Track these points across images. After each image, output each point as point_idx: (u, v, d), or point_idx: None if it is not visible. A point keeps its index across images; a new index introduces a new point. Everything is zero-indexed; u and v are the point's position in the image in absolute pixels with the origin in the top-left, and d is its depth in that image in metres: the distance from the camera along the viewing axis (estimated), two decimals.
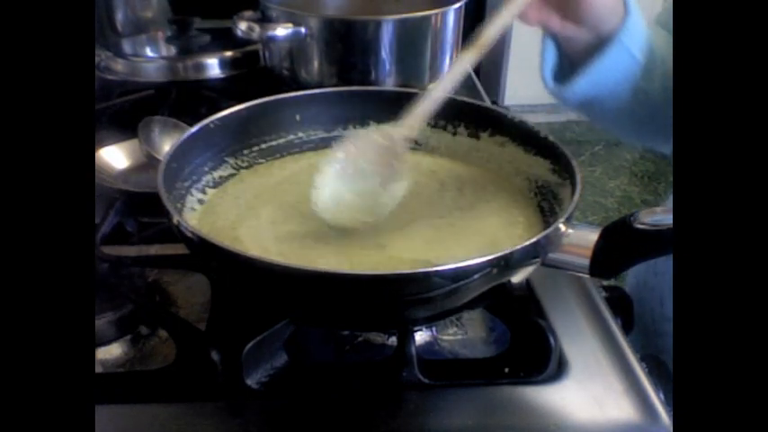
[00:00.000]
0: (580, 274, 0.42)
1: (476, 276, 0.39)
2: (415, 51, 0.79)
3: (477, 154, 0.59)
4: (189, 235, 0.41)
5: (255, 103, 0.58)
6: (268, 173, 0.58)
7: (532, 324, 0.47)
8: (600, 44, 0.59)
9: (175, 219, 0.41)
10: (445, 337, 0.50)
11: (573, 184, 0.47)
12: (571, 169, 0.48)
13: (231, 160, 0.57)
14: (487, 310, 0.50)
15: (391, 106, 0.61)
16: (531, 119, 0.55)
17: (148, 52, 0.97)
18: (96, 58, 0.97)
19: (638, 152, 2.68)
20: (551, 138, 0.52)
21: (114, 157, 0.70)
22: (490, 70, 2.57)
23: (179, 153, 0.50)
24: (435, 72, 0.83)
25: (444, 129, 0.60)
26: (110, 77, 0.96)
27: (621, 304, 0.57)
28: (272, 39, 0.78)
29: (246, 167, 0.58)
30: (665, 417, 0.42)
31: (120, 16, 0.95)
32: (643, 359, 0.47)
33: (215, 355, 0.43)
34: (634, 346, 0.48)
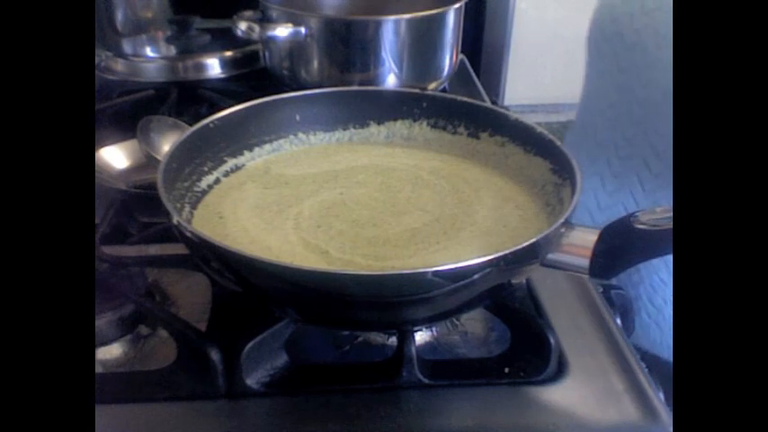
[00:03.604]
0: (579, 275, 0.42)
1: (475, 276, 0.39)
2: (416, 51, 0.79)
3: (477, 154, 0.59)
4: (189, 235, 0.41)
5: (255, 103, 0.58)
6: (268, 173, 0.58)
7: (532, 324, 0.47)
8: None
9: (175, 219, 0.41)
10: (445, 337, 0.50)
11: (573, 185, 0.47)
12: (571, 169, 0.48)
13: (231, 160, 0.57)
14: (487, 310, 0.50)
15: (391, 106, 0.61)
16: (531, 119, 0.55)
17: (148, 52, 0.97)
18: (96, 58, 0.97)
19: None
20: (551, 137, 0.52)
21: (114, 157, 0.70)
22: (490, 70, 2.58)
23: (179, 153, 0.50)
24: (435, 72, 0.83)
25: (444, 129, 0.60)
26: (110, 77, 0.96)
27: (621, 304, 0.57)
28: (272, 39, 0.78)
29: (246, 167, 0.58)
30: (665, 417, 0.42)
31: (120, 16, 0.95)
32: (643, 359, 0.47)
33: (215, 355, 0.43)
34: None
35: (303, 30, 0.76)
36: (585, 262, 0.41)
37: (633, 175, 0.79)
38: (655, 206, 0.77)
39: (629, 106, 0.80)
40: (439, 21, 0.81)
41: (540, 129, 0.54)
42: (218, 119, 0.55)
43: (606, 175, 0.83)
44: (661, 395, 0.44)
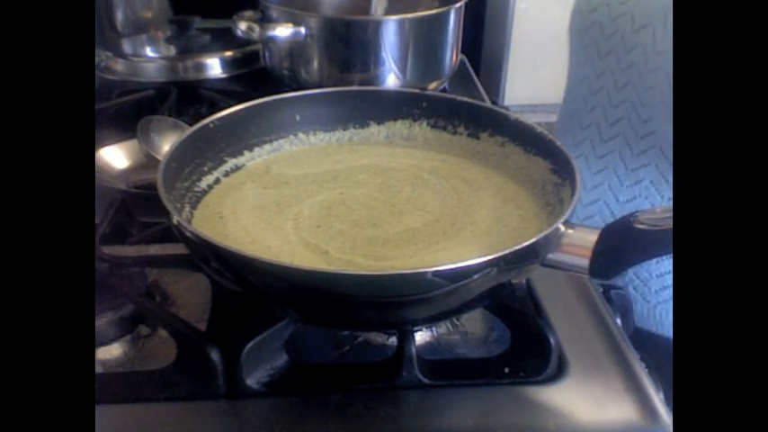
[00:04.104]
0: (579, 275, 0.42)
1: (475, 276, 0.39)
2: (416, 51, 0.79)
3: (477, 154, 0.59)
4: (189, 235, 0.41)
5: (255, 103, 0.58)
6: (268, 173, 0.58)
7: (532, 324, 0.47)
8: None
9: (175, 219, 0.41)
10: (445, 337, 0.50)
11: (572, 185, 0.47)
12: (571, 169, 0.48)
13: (231, 160, 0.57)
14: (487, 310, 0.50)
15: (391, 106, 0.61)
16: (531, 119, 0.55)
17: (148, 52, 0.97)
18: (96, 58, 0.97)
19: None
20: (551, 137, 0.52)
21: (114, 157, 0.70)
22: (490, 70, 2.57)
23: (179, 153, 0.50)
24: (435, 72, 0.83)
25: (444, 129, 0.60)
26: (110, 77, 0.96)
27: (621, 304, 0.57)
28: (272, 39, 0.78)
29: (246, 167, 0.58)
30: (665, 417, 0.42)
31: (120, 16, 0.95)
32: (642, 359, 0.47)
33: (215, 355, 0.43)
34: None
35: (303, 30, 0.76)
36: (585, 262, 0.41)
37: (616, 155, 0.83)
38: (637, 183, 0.81)
39: (609, 91, 0.84)
40: (439, 21, 0.81)
41: (540, 129, 0.54)
42: (218, 119, 0.55)
43: (590, 156, 0.87)
44: (661, 395, 0.44)
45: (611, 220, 0.42)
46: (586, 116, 0.87)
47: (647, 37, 0.76)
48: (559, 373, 0.45)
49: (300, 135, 0.61)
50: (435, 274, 0.37)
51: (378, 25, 0.76)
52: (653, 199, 0.80)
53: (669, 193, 0.78)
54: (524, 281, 0.53)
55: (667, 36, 0.74)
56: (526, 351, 0.47)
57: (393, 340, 0.49)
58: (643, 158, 0.79)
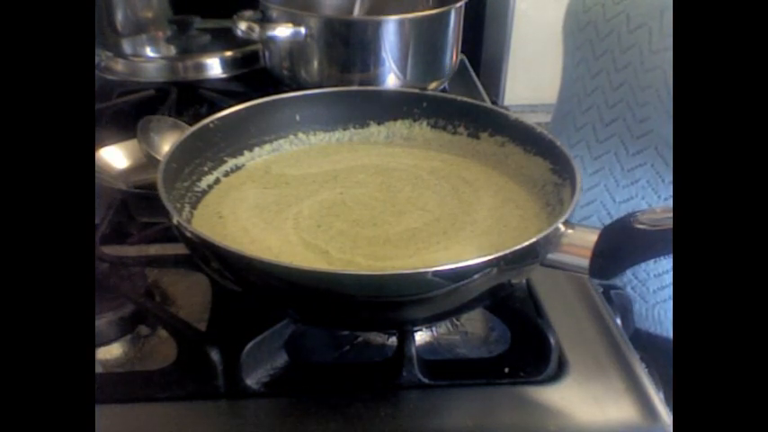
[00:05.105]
0: (579, 275, 0.42)
1: (475, 276, 0.39)
2: (416, 51, 0.79)
3: (477, 154, 0.59)
4: (189, 235, 0.41)
5: (255, 103, 0.58)
6: (268, 173, 0.58)
7: (532, 324, 0.47)
8: None
9: (175, 219, 0.41)
10: (445, 337, 0.50)
11: (572, 185, 0.47)
12: (570, 169, 0.48)
13: (231, 160, 0.57)
14: (487, 310, 0.50)
15: (391, 106, 0.61)
16: (531, 119, 0.55)
17: (148, 52, 0.97)
18: (96, 58, 0.97)
19: None
20: (551, 137, 0.52)
21: (114, 157, 0.70)
22: (490, 70, 2.57)
23: (179, 153, 0.50)
24: (435, 72, 0.83)
25: (444, 129, 0.60)
26: (110, 77, 0.96)
27: (621, 304, 0.57)
28: (272, 39, 0.78)
29: (246, 167, 0.58)
30: (665, 417, 0.42)
31: (120, 16, 0.95)
32: (642, 359, 0.47)
33: (215, 355, 0.43)
34: None
35: (303, 30, 0.76)
36: (585, 262, 0.41)
37: (612, 156, 0.83)
38: (633, 183, 0.81)
39: (604, 91, 0.84)
40: (439, 21, 0.81)
41: (540, 129, 0.54)
42: (218, 119, 0.55)
43: (586, 157, 0.87)
44: (661, 395, 0.44)
45: (608, 220, 0.42)
46: (581, 117, 0.87)
47: (643, 37, 0.76)
48: (559, 373, 0.45)
49: (300, 135, 0.61)
50: (435, 274, 0.37)
51: (378, 25, 0.76)
52: (650, 199, 0.80)
53: (666, 193, 0.78)
54: (524, 281, 0.53)
55: (664, 35, 0.74)
56: (526, 351, 0.47)
57: (393, 340, 0.49)
58: (639, 158, 0.79)
